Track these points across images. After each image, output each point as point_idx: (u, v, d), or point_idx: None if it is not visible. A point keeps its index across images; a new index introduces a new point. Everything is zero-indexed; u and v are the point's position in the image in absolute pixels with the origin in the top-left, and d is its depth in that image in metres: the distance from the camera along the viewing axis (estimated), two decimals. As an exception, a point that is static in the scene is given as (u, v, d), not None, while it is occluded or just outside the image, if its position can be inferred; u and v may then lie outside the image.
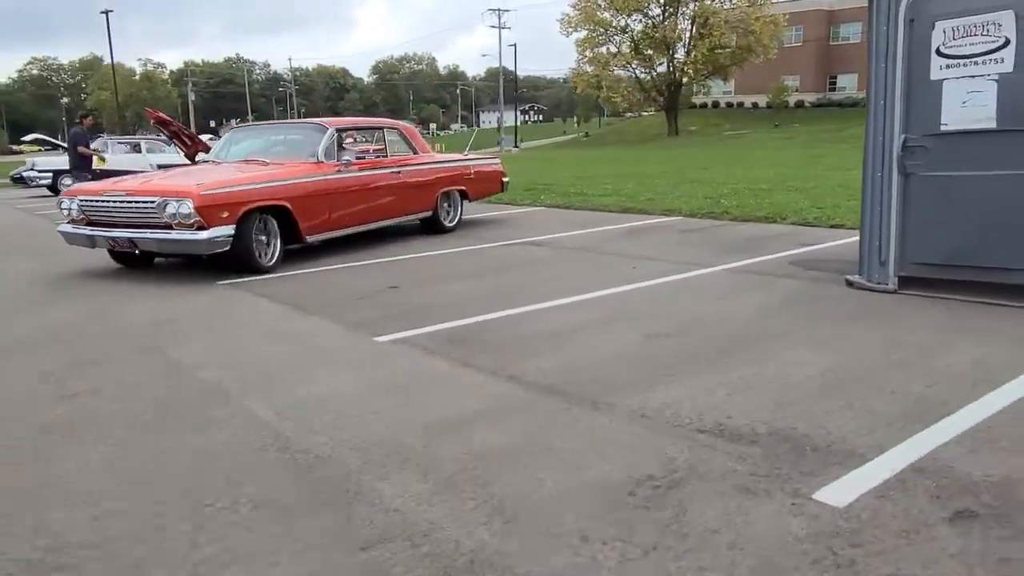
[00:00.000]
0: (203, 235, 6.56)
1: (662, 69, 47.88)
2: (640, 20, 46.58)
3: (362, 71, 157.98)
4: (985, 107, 4.80)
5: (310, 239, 7.70)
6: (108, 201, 7.01)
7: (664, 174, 18.76)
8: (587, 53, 47.71)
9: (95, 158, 13.75)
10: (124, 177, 7.93)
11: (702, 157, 27.50)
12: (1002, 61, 4.69)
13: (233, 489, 2.66)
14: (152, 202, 6.66)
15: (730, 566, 2.11)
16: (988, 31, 4.73)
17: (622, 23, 46.87)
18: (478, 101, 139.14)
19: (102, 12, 41.46)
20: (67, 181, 15.90)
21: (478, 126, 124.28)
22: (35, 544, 2.35)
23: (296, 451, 2.98)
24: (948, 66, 4.93)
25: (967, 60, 4.84)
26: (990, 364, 3.74)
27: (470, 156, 10.85)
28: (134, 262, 7.67)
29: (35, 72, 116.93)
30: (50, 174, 20.60)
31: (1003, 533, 2.23)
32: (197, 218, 6.51)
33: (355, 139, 9.13)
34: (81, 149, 13.42)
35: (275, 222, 7.25)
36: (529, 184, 16.78)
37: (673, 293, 5.73)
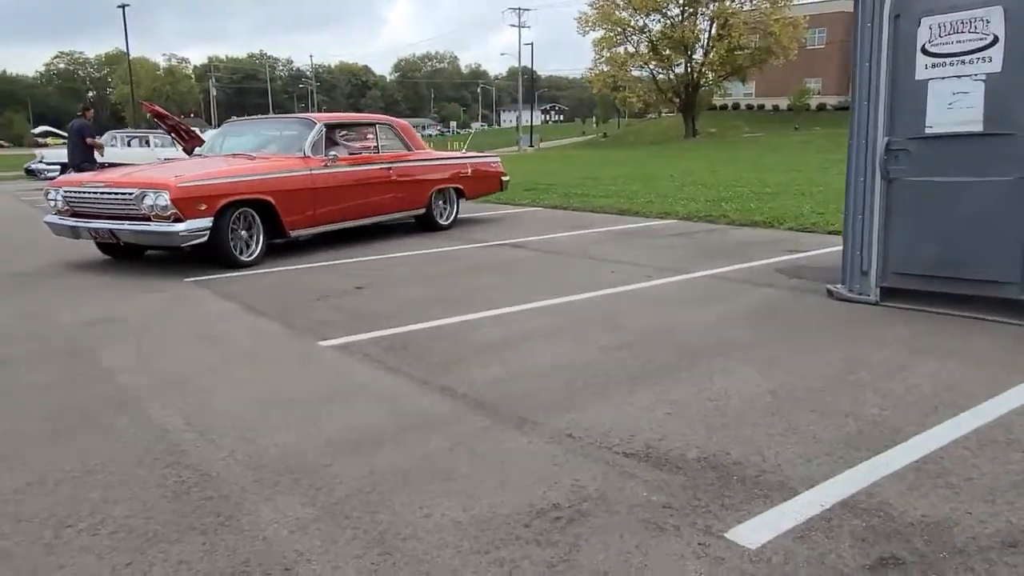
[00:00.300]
0: (179, 227, 6.50)
1: (680, 70, 47.33)
2: (658, 20, 46.12)
3: (385, 69, 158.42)
4: (971, 109, 4.50)
5: (294, 234, 7.59)
6: (89, 192, 6.99)
7: (672, 176, 18.41)
8: (604, 53, 47.28)
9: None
10: (108, 169, 7.85)
11: (716, 159, 27.04)
12: (990, 60, 4.39)
13: (102, 509, 2.46)
14: (130, 194, 6.61)
15: (608, 618, 1.87)
16: (976, 28, 4.44)
17: (640, 23, 46.45)
18: (499, 100, 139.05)
19: (119, 6, 41.58)
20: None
21: (498, 125, 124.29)
22: None
23: (185, 467, 2.77)
24: (934, 65, 4.63)
25: (953, 59, 4.54)
26: (958, 386, 3.46)
27: (468, 154, 10.67)
28: (122, 254, 7.60)
29: (62, 66, 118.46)
30: (58, 167, 20.70)
31: (927, 587, 1.98)
32: (174, 210, 6.45)
33: (345, 135, 8.96)
34: (89, 140, 13.42)
35: (257, 217, 7.14)
36: (533, 184, 16.55)
37: (642, 300, 5.48)
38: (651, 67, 47.80)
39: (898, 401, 3.29)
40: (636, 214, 11.00)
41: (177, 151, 15.72)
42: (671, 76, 48.02)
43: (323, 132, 8.00)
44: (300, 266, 7.11)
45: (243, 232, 7.03)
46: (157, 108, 13.08)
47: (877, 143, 4.91)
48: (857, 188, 5.10)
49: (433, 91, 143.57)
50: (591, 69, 49.59)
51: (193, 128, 13.00)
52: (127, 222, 6.68)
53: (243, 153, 7.99)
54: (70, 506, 2.49)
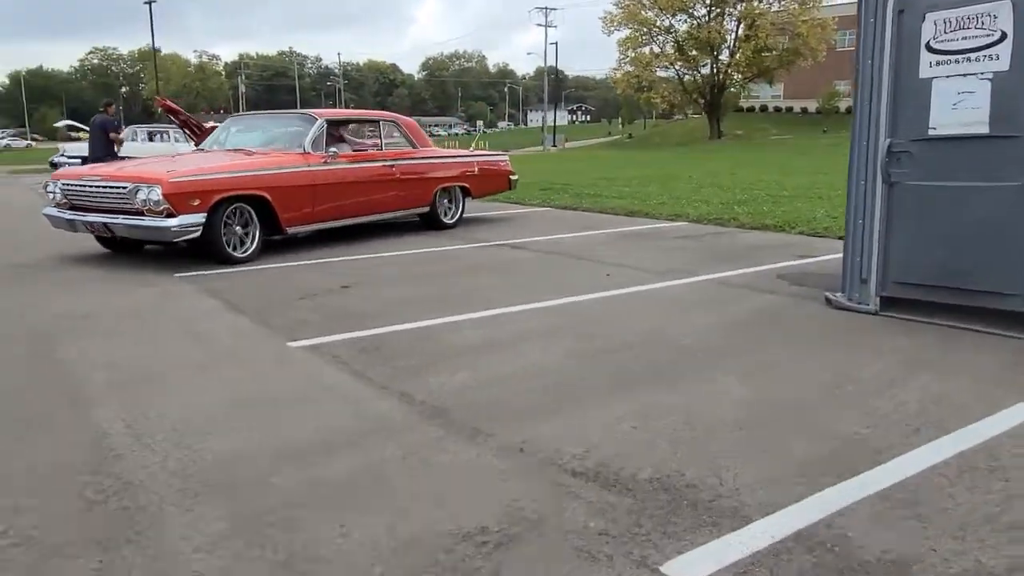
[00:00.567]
0: (172, 222, 6.43)
1: (706, 71, 46.75)
2: (685, 20, 45.56)
3: (413, 67, 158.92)
4: (977, 109, 4.25)
5: (292, 231, 7.49)
6: (86, 186, 6.95)
7: (691, 178, 18.12)
8: (628, 53, 46.83)
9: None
10: (106, 163, 7.82)
11: (739, 161, 26.63)
12: (997, 58, 4.14)
13: (8, 519, 2.33)
14: (124, 187, 6.57)
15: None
16: (983, 24, 4.18)
17: (666, 23, 45.94)
18: (526, 100, 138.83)
19: (145, 2, 41.94)
20: None
21: (525, 125, 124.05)
22: None
23: (110, 474, 2.64)
24: (939, 63, 4.39)
25: (959, 56, 4.29)
26: (949, 404, 3.24)
27: (476, 152, 10.51)
28: (121, 248, 7.57)
29: (95, 62, 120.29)
30: (78, 160, 20.85)
31: (874, 634, 1.78)
32: (166, 205, 6.39)
33: (348, 132, 8.86)
34: (113, 135, 13.53)
35: (253, 213, 7.04)
36: (548, 183, 16.37)
37: (634, 305, 5.28)
38: (676, 68, 47.28)
39: (882, 419, 3.07)
40: (647, 215, 10.77)
41: (191, 147, 15.79)
42: (696, 77, 47.46)
43: (324, 128, 7.87)
44: (293, 263, 7.01)
45: (238, 228, 6.92)
46: (169, 103, 13.13)
47: (879, 145, 4.67)
48: (857, 192, 4.86)
49: (460, 90, 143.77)
50: (615, 69, 49.19)
51: (206, 123, 13.01)
52: (120, 216, 6.62)
53: (243, 149, 7.91)
54: (-19, 514, 2.36)
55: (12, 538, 2.23)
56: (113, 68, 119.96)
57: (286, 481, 2.58)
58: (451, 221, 9.50)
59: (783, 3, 44.54)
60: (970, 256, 4.38)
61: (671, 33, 46.24)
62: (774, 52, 44.39)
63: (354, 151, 8.47)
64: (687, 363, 3.87)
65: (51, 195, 7.28)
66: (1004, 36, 4.10)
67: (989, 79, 4.18)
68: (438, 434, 2.99)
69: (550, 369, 3.81)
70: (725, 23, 45.11)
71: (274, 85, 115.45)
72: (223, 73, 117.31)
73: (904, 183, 4.61)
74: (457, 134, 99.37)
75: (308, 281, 6.16)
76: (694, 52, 45.87)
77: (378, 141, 8.81)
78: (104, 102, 15.25)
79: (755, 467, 2.64)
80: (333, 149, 7.79)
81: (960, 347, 4.09)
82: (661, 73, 48.22)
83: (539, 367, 3.83)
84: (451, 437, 2.96)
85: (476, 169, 9.87)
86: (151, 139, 23.97)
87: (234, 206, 6.84)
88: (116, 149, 14.10)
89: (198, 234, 6.61)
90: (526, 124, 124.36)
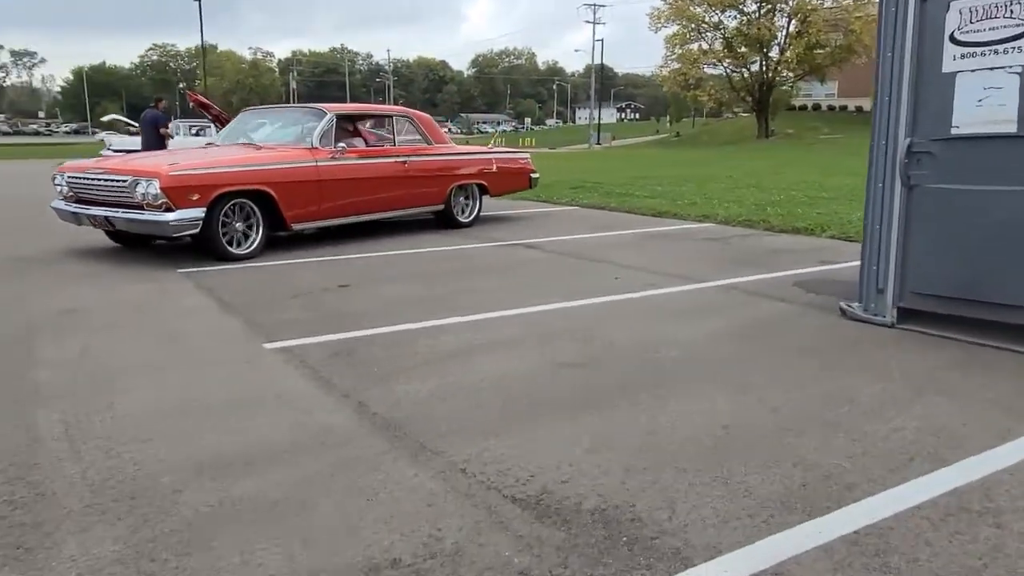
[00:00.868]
0: (170, 217, 6.33)
1: (755, 68, 45.60)
2: (734, 16, 44.47)
3: (463, 65, 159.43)
4: (1004, 107, 3.88)
5: (297, 227, 7.36)
6: (89, 179, 6.91)
7: (730, 177, 17.63)
8: (676, 50, 45.96)
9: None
10: (112, 156, 7.81)
11: (785, 161, 25.89)
12: (1026, 50, 3.77)
13: (-100, 530, 2.21)
14: (124, 181, 6.50)
15: None
16: (1012, 12, 3.82)
17: (715, 19, 44.93)
18: (574, 97, 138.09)
19: (194, -1, 42.50)
20: None
21: (573, 122, 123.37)
22: None
23: (27, 482, 2.51)
24: (963, 56, 4.02)
25: (986, 49, 3.93)
26: (951, 432, 2.92)
27: (495, 149, 10.28)
28: (130, 242, 7.53)
29: (155, 58, 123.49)
30: (123, 153, 21.22)
31: None
32: (164, 199, 6.29)
33: (360, 127, 8.72)
34: (163, 130, 13.73)
35: (257, 208, 6.93)
36: (581, 182, 16.07)
37: (634, 311, 5.01)
38: (724, 65, 46.28)
39: (872, 448, 2.78)
40: (674, 216, 10.43)
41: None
42: (745, 74, 46.38)
43: (334, 123, 7.72)
44: (298, 260, 6.90)
45: (238, 224, 6.82)
46: (200, 98, 13.25)
47: (898, 145, 4.32)
48: (875, 195, 4.53)
49: (509, 87, 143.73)
50: (661, 67, 48.35)
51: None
52: (121, 210, 6.57)
53: (250, 143, 7.83)
54: None
55: None
56: (171, 64, 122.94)
57: (201, 497, 2.41)
58: (467, 220, 9.29)
59: (836, -1, 43.29)
60: (994, 266, 4.01)
61: (720, 29, 45.25)
62: (826, 49, 43.09)
63: (367, 146, 8.29)
64: (668, 378, 3.60)
65: (58, 188, 7.26)
66: (1034, 26, 3.73)
67: (1018, 73, 3.81)
68: (380, 450, 2.79)
69: (523, 379, 3.58)
70: (776, 19, 43.94)
71: (325, 82, 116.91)
72: (276, 70, 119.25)
73: (924, 186, 4.25)
74: (505, 131, 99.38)
75: (308, 279, 6.04)
76: (743, 49, 44.81)
77: (391, 137, 8.62)
78: (155, 97, 15.49)
79: (713, 500, 2.38)
80: (341, 144, 7.63)
81: (975, 367, 3.74)
82: (709, 70, 47.24)
83: (512, 377, 3.61)
84: (393, 454, 2.76)
85: (494, 167, 9.62)
86: (197, 134, 24.33)
87: (236, 201, 6.74)
88: (166, 143, 14.30)
89: (198, 229, 6.51)
90: (574, 122, 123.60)
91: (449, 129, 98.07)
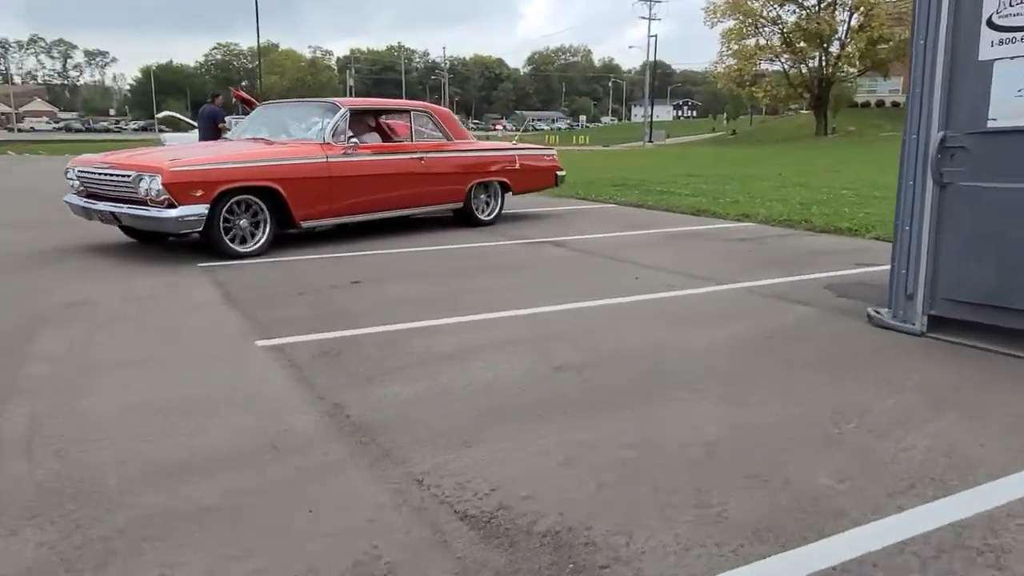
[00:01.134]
0: (172, 213, 6.22)
1: (813, 64, 44.25)
2: (793, 11, 43.24)
3: (519, 62, 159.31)
4: (1046, 97, 3.54)
5: (306, 225, 7.21)
6: (97, 173, 6.80)
7: (780, 176, 17.10)
8: (732, 45, 44.95)
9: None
10: (122, 150, 7.81)
11: (843, 159, 25.05)
12: (1071, 34, 3.43)
13: None
14: (128, 176, 6.42)
15: None
16: (1056, -7, 3.48)
17: (773, 13, 43.76)
18: (630, 95, 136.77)
19: (254, -3, 43.08)
20: None
21: (628, 120, 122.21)
22: None
23: (-30, 482, 2.44)
24: (1002, 42, 3.69)
25: (1026, 33, 3.59)
26: (964, 455, 2.64)
27: (518, 145, 10.03)
28: (145, 238, 7.51)
29: (219, 57, 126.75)
30: (177, 150, 21.68)
31: None
32: (166, 195, 6.18)
33: (376, 122, 8.56)
34: (220, 125, 13.97)
35: (264, 205, 6.79)
36: (623, 179, 15.78)
37: (647, 313, 4.78)
38: (782, 60, 45.07)
39: (870, 469, 2.52)
40: (713, 215, 10.10)
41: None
42: (803, 70, 45.09)
43: (347, 118, 7.54)
44: (315, 256, 6.83)
45: (242, 221, 6.68)
46: (243, 94, 13.41)
47: (930, 139, 4.01)
48: (905, 194, 4.21)
49: (565, 85, 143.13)
50: (716, 63, 47.32)
51: None
52: (126, 205, 6.46)
53: (262, 138, 7.68)
54: None
55: None
56: (234, 63, 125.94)
57: (142, 503, 2.31)
58: (488, 218, 9.03)
59: (902, -9, 41.66)
60: (1033, 272, 3.68)
61: (778, 24, 44.08)
62: (890, 43, 41.61)
63: (383, 141, 8.12)
64: (662, 388, 3.38)
65: (70, 182, 7.19)
66: (1080, 7, 3.38)
67: (1061, 60, 3.47)
68: (339, 457, 2.65)
69: (512, 385, 3.40)
70: (837, 13, 42.56)
71: (382, 79, 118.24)
72: (335, 68, 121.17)
73: (957, 183, 3.93)
74: (559, 129, 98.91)
75: (322, 275, 5.96)
76: (802, 44, 43.59)
77: (408, 132, 8.43)
78: (211, 94, 15.78)
79: (680, 525, 2.17)
80: (355, 139, 7.46)
81: (1005, 382, 3.42)
82: (765, 66, 46.05)
83: (500, 382, 3.44)
84: (353, 461, 2.61)
85: (517, 164, 9.30)
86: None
87: (242, 198, 6.60)
88: (223, 138, 14.54)
89: (201, 227, 6.37)
90: (630, 119, 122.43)
91: (504, 127, 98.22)
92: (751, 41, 45.25)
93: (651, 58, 64.67)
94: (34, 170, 21.03)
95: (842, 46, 43.07)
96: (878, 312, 4.45)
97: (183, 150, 7.53)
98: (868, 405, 3.13)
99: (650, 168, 21.06)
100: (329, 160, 7.22)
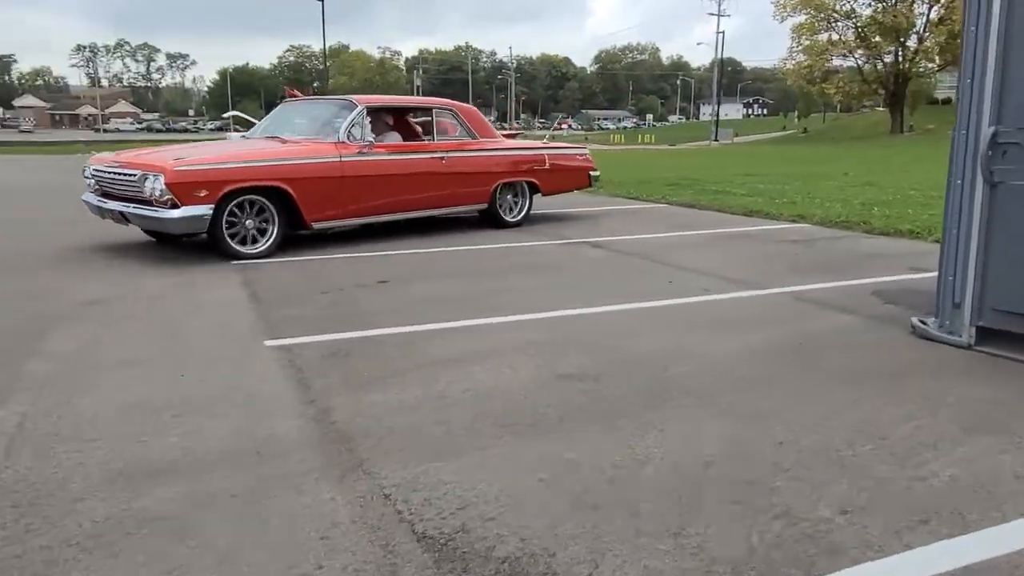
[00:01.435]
0: (175, 213, 6.08)
1: (889, 59, 42.48)
2: (868, 4, 41.57)
3: (586, 61, 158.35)
4: (1108, 87, 3.19)
5: (317, 226, 6.98)
6: (109, 172, 6.71)
7: (846, 175, 16.41)
8: (802, 41, 43.51)
9: None
10: (136, 148, 7.82)
11: (914, 158, 23.96)
12: None
13: None
14: (134, 175, 6.31)
15: None
16: (1122, -29, 3.12)
17: (846, 7, 42.19)
18: (699, 93, 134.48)
19: (318, -1, 43.68)
20: None
21: (696, 118, 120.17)
22: None
23: (-61, 481, 2.42)
24: (1060, 27, 3.35)
25: (1088, 17, 3.24)
26: (995, 485, 2.36)
27: (549, 144, 9.71)
28: (163, 237, 7.26)
29: (291, 59, 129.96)
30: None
31: None
32: (169, 195, 6.04)
33: (397, 120, 8.25)
34: None
35: (272, 206, 6.58)
36: (679, 179, 15.40)
37: (670, 319, 4.55)
38: (856, 56, 43.43)
39: (880, 500, 2.28)
40: (766, 216, 9.71)
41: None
42: (878, 66, 43.35)
43: (363, 116, 7.29)
44: (345, 254, 6.75)
45: (248, 222, 6.51)
46: (296, 93, 13.53)
47: (980, 134, 3.67)
48: (954, 194, 3.88)
49: (632, 83, 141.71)
50: (785, 59, 45.90)
51: None
52: (133, 204, 6.35)
53: (276, 136, 7.53)
54: None
55: None
56: (306, 64, 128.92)
57: (98, 510, 2.24)
58: (514, 219, 8.69)
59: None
60: (1093, 282, 3.32)
61: (851, 18, 42.50)
62: (973, 37, 39.63)
63: (403, 140, 7.90)
64: (668, 400, 3.17)
65: (87, 181, 7.09)
66: None
67: (1126, 46, 3.12)
68: (311, 467, 2.54)
69: (509, 393, 3.24)
70: (915, 6, 40.79)
71: (449, 79, 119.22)
72: (403, 68, 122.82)
73: (1009, 182, 3.60)
74: (625, 128, 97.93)
75: (349, 274, 5.91)
76: (877, 38, 41.92)
77: (430, 131, 8.18)
78: (281, 95, 16.08)
79: (651, 557, 1.98)
80: (371, 138, 7.25)
81: (1056, 403, 3.09)
82: (838, 62, 44.43)
83: (500, 390, 3.28)
84: (323, 472, 2.50)
85: (547, 163, 8.91)
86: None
87: (248, 198, 6.46)
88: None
89: (205, 228, 6.25)
90: (698, 118, 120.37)
91: (570, 126, 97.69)
92: (823, 36, 43.74)
93: (719, 55, 63.24)
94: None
95: (920, 40, 41.24)
96: (923, 322, 4.12)
97: (191, 149, 7.40)
98: (892, 425, 2.86)
99: (709, 167, 20.54)
100: (342, 160, 6.99)
